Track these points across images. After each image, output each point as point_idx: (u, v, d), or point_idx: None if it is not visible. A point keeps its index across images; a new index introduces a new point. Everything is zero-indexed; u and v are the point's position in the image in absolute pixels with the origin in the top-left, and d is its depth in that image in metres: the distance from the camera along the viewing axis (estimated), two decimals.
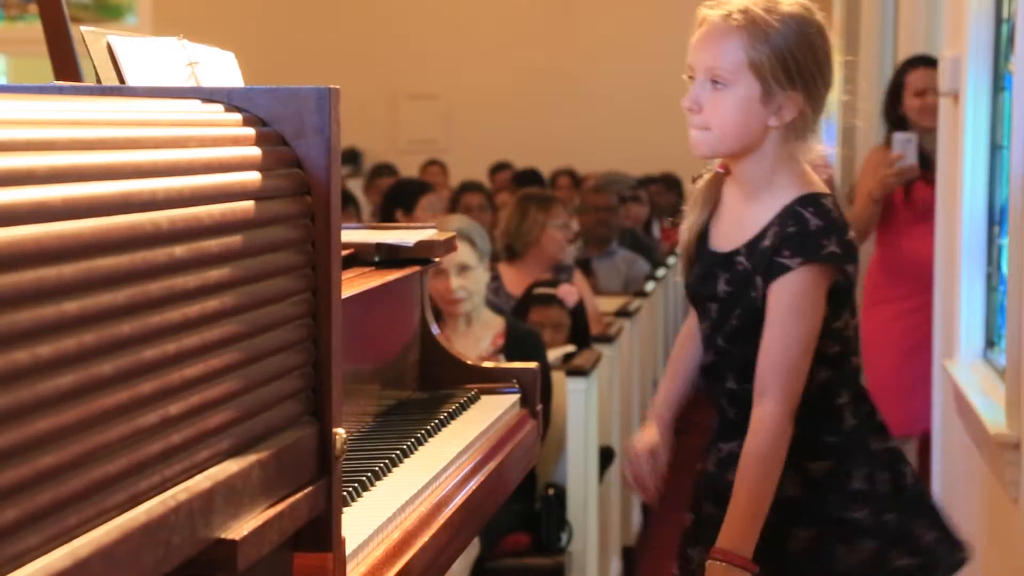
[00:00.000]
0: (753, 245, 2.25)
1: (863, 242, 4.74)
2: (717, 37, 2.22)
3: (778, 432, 2.17)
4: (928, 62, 4.79)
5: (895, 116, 4.80)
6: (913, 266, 4.71)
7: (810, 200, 2.22)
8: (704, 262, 2.34)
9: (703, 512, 2.33)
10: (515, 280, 4.75)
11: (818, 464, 2.26)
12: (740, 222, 2.29)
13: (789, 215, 2.21)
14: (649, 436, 2.45)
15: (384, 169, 8.83)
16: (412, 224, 3.07)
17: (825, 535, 2.24)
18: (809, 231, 2.19)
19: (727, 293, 2.28)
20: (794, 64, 2.19)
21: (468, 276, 3.82)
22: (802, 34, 2.20)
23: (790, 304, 2.19)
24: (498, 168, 9.55)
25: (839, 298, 2.25)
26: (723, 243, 2.31)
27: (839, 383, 2.29)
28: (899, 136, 4.65)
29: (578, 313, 4.54)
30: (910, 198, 4.72)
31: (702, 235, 2.35)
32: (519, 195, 5.36)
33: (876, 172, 4.73)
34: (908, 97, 4.74)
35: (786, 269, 2.18)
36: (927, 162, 4.62)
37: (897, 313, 4.78)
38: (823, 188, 2.27)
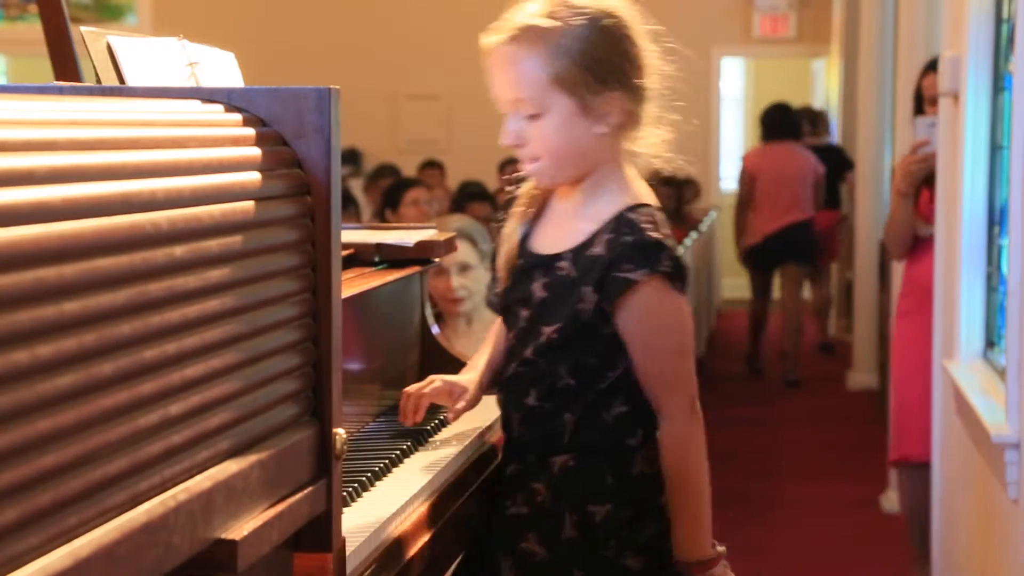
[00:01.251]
0: (579, 251, 2.08)
1: (905, 247, 4.35)
2: (510, 65, 2.05)
3: (683, 444, 2.08)
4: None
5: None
6: (928, 275, 4.28)
7: (644, 210, 2.07)
8: (520, 264, 2.15)
9: (522, 550, 2.11)
10: None
11: (599, 508, 2.09)
12: (567, 229, 2.12)
13: (623, 223, 2.05)
14: (463, 380, 2.30)
15: (386, 170, 8.81)
16: (412, 224, 3.07)
17: None
18: (647, 241, 2.04)
19: (542, 300, 2.10)
20: (601, 66, 2.02)
21: (469, 275, 3.82)
22: (598, 29, 2.02)
23: (647, 320, 2.06)
24: (508, 162, 9.40)
25: None
26: (545, 247, 2.14)
27: (635, 418, 2.11)
28: (922, 120, 4.24)
29: None
30: (934, 197, 4.22)
31: (522, 241, 2.17)
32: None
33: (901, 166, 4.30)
34: (925, 105, 4.40)
35: (629, 283, 2.03)
36: None
37: (917, 325, 4.51)
38: (650, 198, 2.12)
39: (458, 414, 2.30)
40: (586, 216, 2.09)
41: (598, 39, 2.02)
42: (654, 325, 2.06)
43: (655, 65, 2.10)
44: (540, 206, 2.19)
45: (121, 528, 1.15)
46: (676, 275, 2.05)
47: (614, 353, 2.08)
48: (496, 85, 2.09)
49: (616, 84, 2.04)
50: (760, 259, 8.84)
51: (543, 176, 2.11)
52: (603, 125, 2.06)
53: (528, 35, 2.02)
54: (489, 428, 2.37)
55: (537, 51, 2.02)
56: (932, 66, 4.46)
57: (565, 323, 2.07)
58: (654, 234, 2.04)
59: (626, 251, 2.03)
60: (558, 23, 2.01)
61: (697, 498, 2.10)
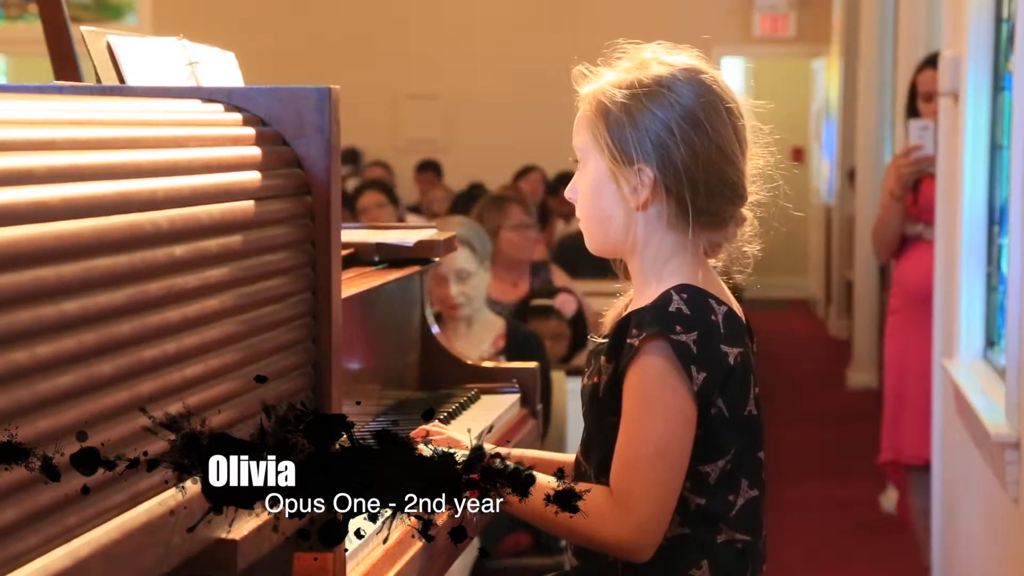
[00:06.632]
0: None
1: (891, 250, 4.43)
2: (581, 115, 1.90)
3: (605, 539, 1.76)
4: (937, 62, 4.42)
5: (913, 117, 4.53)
6: (916, 273, 4.39)
7: (688, 289, 1.80)
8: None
9: None
10: (494, 286, 4.72)
11: None
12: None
13: (658, 295, 1.81)
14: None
15: (377, 168, 8.82)
16: (413, 224, 3.07)
17: None
18: (667, 312, 1.77)
19: (584, 388, 1.91)
20: (635, 135, 1.82)
21: (468, 283, 3.82)
22: (650, 97, 1.83)
23: (638, 393, 1.77)
24: (525, 171, 9.00)
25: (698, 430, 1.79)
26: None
27: (693, 547, 1.82)
28: (915, 124, 4.29)
29: (577, 322, 4.53)
30: (918, 198, 4.37)
31: None
32: (481, 200, 5.24)
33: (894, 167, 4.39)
34: (919, 101, 4.43)
35: (632, 352, 1.77)
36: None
37: (902, 322, 4.50)
38: (722, 293, 1.87)
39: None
40: (641, 301, 1.86)
41: (638, 110, 1.83)
42: (646, 402, 1.77)
43: (740, 161, 1.87)
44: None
45: (121, 528, 1.15)
46: (691, 356, 1.76)
47: None
48: None
49: (649, 159, 1.82)
50: None
51: (585, 237, 1.92)
52: (634, 199, 1.83)
53: (591, 93, 1.87)
54: (490, 429, 2.37)
55: (591, 107, 1.86)
56: (929, 62, 4.51)
57: (593, 414, 1.87)
58: (684, 308, 1.78)
59: (638, 314, 1.80)
60: (616, 89, 1.84)
61: (558, 531, 1.85)
